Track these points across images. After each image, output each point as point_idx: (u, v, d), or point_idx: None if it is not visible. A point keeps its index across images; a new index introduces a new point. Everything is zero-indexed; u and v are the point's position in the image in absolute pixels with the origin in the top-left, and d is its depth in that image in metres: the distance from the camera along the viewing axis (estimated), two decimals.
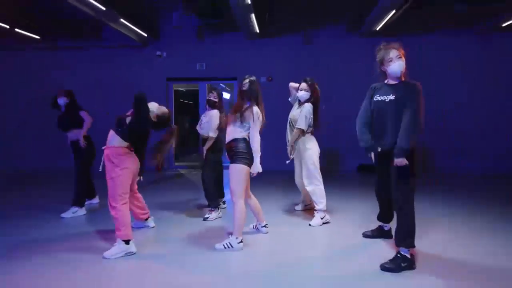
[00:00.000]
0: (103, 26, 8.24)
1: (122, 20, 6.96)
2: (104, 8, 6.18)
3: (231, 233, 3.36)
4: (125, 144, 3.22)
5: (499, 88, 8.03)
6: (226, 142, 3.41)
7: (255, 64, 8.51)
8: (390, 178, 2.91)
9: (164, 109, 3.47)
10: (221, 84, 10.34)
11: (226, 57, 8.61)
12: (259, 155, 3.31)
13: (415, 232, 2.81)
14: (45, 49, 8.80)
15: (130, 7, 7.06)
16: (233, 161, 3.31)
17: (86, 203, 4.74)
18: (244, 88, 3.41)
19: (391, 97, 2.88)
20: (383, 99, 2.93)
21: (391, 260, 2.80)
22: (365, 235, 3.54)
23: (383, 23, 7.01)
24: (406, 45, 8.39)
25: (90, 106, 8.55)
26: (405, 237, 2.80)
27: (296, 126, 4.06)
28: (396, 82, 2.95)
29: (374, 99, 2.99)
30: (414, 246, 2.81)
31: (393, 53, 2.90)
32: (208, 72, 8.74)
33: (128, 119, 3.25)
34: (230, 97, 11.40)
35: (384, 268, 2.77)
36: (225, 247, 3.24)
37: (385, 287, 2.53)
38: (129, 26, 7.49)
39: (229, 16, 7.20)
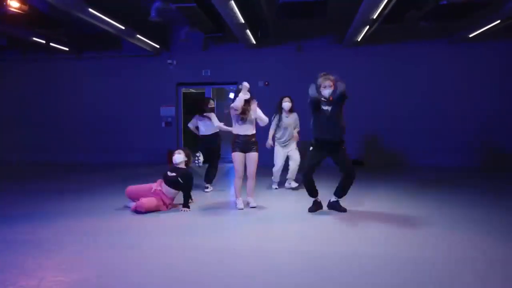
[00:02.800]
0: (122, 39, 9.53)
1: (138, 35, 8.21)
2: (123, 27, 7.43)
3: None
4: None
5: (466, 91, 9.02)
6: (242, 135, 4.73)
7: (253, 71, 9.68)
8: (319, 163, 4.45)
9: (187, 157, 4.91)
10: (230, 86, 11.54)
11: (228, 65, 9.80)
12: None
13: None
14: (72, 59, 10.17)
15: (144, 23, 8.26)
16: (251, 150, 4.75)
17: None
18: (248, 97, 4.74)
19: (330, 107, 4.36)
20: (327, 109, 4.34)
21: (338, 207, 4.54)
22: (310, 210, 4.68)
23: (361, 36, 8.06)
24: (383, 54, 9.52)
25: (111, 109, 10.10)
26: (346, 191, 4.52)
27: (297, 130, 6.12)
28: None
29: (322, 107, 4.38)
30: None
31: (327, 83, 4.28)
32: (212, 77, 9.95)
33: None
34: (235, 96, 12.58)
35: (343, 210, 4.53)
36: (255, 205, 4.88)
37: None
38: (143, 39, 8.73)
39: (230, 30, 8.36)
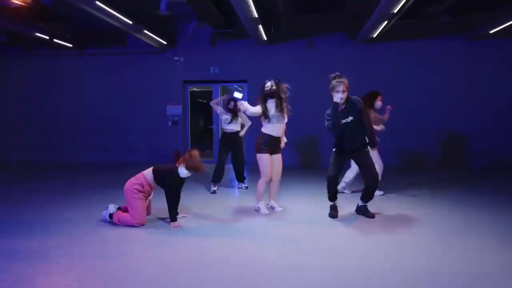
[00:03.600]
0: (127, 34, 9.22)
1: (145, 31, 7.89)
2: (131, 22, 7.10)
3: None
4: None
5: (486, 91, 8.70)
6: (274, 136, 4.40)
7: (263, 68, 9.33)
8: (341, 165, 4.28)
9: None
10: (234, 85, 11.22)
11: (237, 62, 9.47)
12: None
13: None
14: (74, 56, 9.83)
15: (150, 18, 7.96)
16: (278, 151, 4.47)
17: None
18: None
19: (350, 118, 4.10)
20: (346, 120, 4.11)
21: (366, 212, 4.28)
22: (332, 216, 4.34)
23: (377, 31, 7.74)
24: (399, 51, 9.15)
25: (115, 107, 9.78)
26: (372, 196, 4.26)
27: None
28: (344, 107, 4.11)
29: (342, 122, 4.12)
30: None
31: (341, 88, 4.00)
32: (220, 75, 9.63)
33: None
34: (242, 97, 12.26)
35: (371, 216, 4.27)
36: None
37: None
38: (150, 35, 8.40)
39: (240, 25, 8.05)
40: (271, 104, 4.36)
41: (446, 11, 6.93)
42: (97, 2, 5.90)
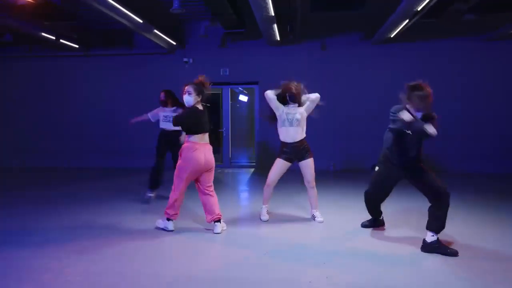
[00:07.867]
0: (134, 35, 8.96)
1: (155, 30, 7.61)
2: (141, 21, 6.82)
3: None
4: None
5: (505, 93, 8.43)
6: (290, 143, 4.14)
7: (275, 70, 9.05)
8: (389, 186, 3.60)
9: None
10: (239, 88, 10.93)
11: (248, 63, 9.19)
12: None
13: None
14: (80, 57, 9.54)
15: (160, 17, 7.69)
16: (305, 158, 4.16)
17: None
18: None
19: None
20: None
21: (444, 249, 3.25)
22: (363, 225, 4.03)
23: (396, 31, 7.48)
24: (417, 51, 8.81)
25: (121, 109, 9.48)
26: (442, 221, 3.28)
27: None
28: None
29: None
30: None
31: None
32: (231, 77, 9.34)
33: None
34: (248, 99, 12.00)
35: (453, 253, 3.22)
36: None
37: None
38: (160, 35, 8.11)
39: (252, 25, 7.77)
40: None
41: (470, 10, 6.67)
42: (109, 0, 5.61)
